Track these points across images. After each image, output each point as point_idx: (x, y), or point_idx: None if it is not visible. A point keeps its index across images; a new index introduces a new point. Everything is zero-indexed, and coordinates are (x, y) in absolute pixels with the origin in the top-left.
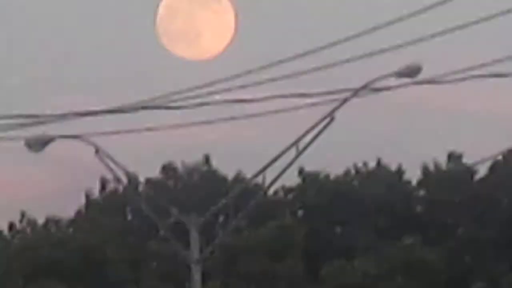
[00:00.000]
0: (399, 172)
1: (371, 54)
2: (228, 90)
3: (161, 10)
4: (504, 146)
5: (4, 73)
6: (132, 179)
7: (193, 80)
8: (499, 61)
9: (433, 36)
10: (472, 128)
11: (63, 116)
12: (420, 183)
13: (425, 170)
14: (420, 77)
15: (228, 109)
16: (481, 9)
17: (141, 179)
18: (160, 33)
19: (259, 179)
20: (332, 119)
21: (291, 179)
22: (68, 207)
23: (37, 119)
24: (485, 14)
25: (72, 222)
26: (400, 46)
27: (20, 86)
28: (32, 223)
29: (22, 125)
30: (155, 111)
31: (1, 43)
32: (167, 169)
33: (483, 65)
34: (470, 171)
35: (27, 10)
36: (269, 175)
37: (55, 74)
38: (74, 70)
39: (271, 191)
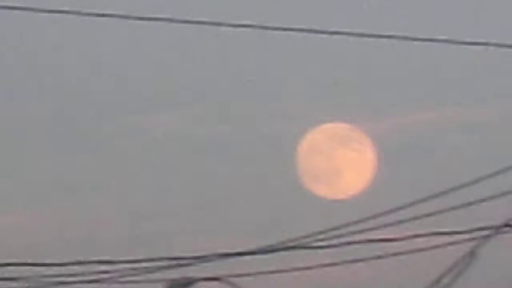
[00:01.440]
0: None
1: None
2: (370, 229)
3: (301, 149)
4: None
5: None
6: None
7: (333, 220)
8: None
9: None
10: None
11: (205, 258)
12: None
13: None
14: None
15: (371, 248)
16: None
17: None
18: (300, 173)
19: None
20: (473, 257)
21: None
22: None
23: (178, 262)
24: None
25: None
26: None
27: (162, 231)
28: None
29: (163, 268)
30: (299, 251)
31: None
32: None
33: None
34: None
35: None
36: None
37: (193, 218)
38: (213, 213)
39: None
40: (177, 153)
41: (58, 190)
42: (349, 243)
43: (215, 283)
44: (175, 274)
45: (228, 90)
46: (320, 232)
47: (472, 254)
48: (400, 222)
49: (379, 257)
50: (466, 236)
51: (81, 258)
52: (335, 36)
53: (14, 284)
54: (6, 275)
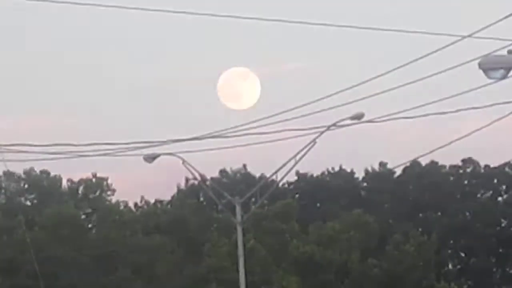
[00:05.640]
0: (352, 172)
1: (336, 106)
2: (257, 127)
3: (219, 83)
4: (411, 157)
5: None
6: (203, 177)
7: (238, 121)
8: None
9: (371, 96)
10: (392, 148)
11: (165, 142)
12: (363, 179)
13: (366, 171)
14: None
15: (255, 137)
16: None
17: (208, 177)
18: (220, 95)
19: (274, 177)
20: (314, 143)
21: (291, 177)
22: (167, 194)
23: (150, 144)
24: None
25: (169, 202)
26: (352, 102)
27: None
28: (148, 202)
29: (142, 147)
30: (218, 139)
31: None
32: (223, 172)
33: (400, 112)
34: (392, 172)
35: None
36: (280, 174)
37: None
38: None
39: (280, 183)
40: None
41: None
42: (244, 134)
43: (170, 157)
44: (147, 151)
45: None
46: (228, 129)
47: (313, 141)
48: (275, 123)
49: (260, 143)
50: (311, 131)
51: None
52: None
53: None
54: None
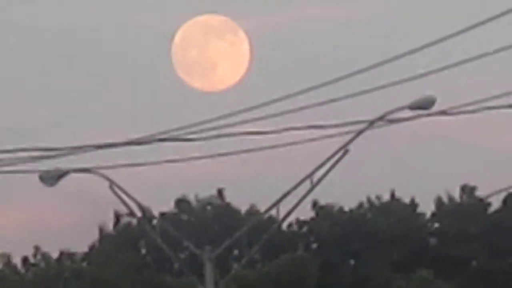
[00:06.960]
0: (413, 204)
1: (384, 86)
2: (243, 122)
3: (176, 41)
4: None
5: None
6: (146, 213)
7: (208, 111)
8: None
9: (445, 68)
10: (484, 160)
11: (78, 149)
12: (434, 216)
13: (438, 202)
14: (433, 109)
15: (242, 141)
16: (492, 41)
17: (155, 212)
18: (175, 64)
19: (273, 212)
20: (346, 152)
21: (305, 212)
22: (82, 241)
23: (52, 153)
24: (497, 46)
25: (86, 256)
26: (414, 78)
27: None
28: (46, 257)
29: (37, 158)
30: (170, 143)
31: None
32: (181, 202)
33: (495, 97)
34: (484, 203)
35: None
36: (283, 208)
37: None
38: (94, 105)
39: (285, 224)
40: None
41: None
42: (219, 136)
43: (87, 174)
44: (49, 165)
45: None
46: (192, 125)
47: (345, 148)
48: (274, 115)
49: (249, 150)
50: (342, 129)
51: None
52: None
53: None
54: None
